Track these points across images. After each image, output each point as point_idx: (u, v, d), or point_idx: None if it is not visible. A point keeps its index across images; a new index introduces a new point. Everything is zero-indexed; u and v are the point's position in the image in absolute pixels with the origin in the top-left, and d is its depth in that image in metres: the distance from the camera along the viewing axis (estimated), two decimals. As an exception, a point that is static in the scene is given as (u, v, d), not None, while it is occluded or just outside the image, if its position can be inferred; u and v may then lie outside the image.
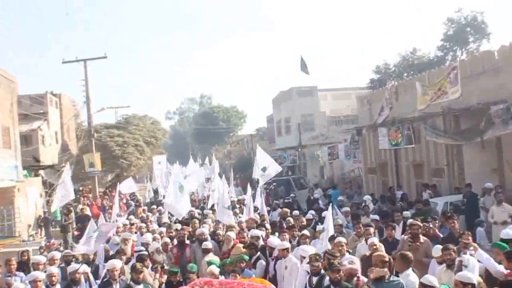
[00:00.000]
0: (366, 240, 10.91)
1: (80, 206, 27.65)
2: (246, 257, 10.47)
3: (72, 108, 45.63)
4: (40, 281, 9.32)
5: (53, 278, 9.88)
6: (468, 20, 44.04)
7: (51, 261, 11.52)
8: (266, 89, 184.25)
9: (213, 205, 19.37)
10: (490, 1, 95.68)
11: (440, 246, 9.42)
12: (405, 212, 14.75)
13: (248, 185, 19.27)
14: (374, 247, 9.97)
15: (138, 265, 9.53)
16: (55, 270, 10.21)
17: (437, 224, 12.15)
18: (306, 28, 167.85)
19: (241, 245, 11.89)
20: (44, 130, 35.73)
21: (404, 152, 25.86)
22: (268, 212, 18.96)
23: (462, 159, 21.33)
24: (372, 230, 11.58)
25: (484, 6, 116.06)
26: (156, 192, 30.69)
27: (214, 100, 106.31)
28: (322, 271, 9.00)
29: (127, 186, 29.28)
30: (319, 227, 12.91)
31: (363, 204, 18.34)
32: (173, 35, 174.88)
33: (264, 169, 18.38)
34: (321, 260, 9.12)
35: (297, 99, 45.84)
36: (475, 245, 9.27)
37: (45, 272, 10.17)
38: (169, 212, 17.38)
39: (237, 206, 20.49)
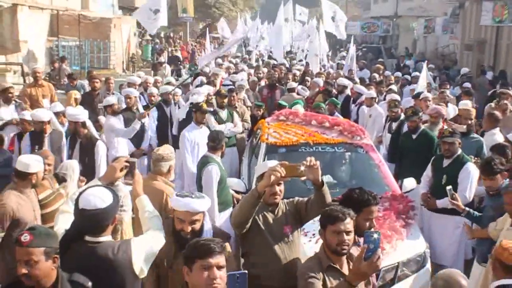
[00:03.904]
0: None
1: (170, 49, 28.36)
2: (337, 101, 10.67)
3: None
4: (134, 97, 9.83)
5: (152, 98, 10.45)
6: None
7: (145, 84, 12.12)
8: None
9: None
10: None
11: None
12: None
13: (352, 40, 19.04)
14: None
15: (223, 90, 9.91)
16: (155, 90, 10.81)
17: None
18: None
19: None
20: (139, -30, 35.91)
21: (507, 31, 24.39)
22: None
23: None
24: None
25: None
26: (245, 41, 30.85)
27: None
28: (402, 117, 9.15)
29: (221, 27, 29.29)
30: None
31: (461, 74, 17.87)
32: None
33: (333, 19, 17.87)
34: (400, 106, 9.27)
35: (399, -34, 43.33)
36: None
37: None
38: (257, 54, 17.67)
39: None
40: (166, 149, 5.59)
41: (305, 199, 4.62)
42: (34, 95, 11.16)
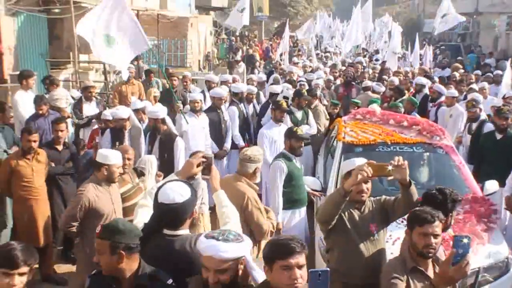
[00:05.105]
0: None
1: (246, 47, 28.58)
2: (415, 100, 10.44)
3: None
4: (224, 98, 9.88)
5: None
6: None
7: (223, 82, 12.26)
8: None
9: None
10: None
11: None
12: None
13: (417, 37, 18.77)
14: None
15: (305, 91, 9.92)
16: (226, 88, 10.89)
17: None
18: None
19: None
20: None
21: None
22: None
23: None
24: None
25: None
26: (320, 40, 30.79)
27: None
28: (482, 117, 8.86)
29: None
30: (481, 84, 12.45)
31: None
32: None
33: (444, 16, 17.72)
34: (478, 106, 8.99)
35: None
36: None
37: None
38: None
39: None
40: (255, 150, 5.51)
41: (393, 198, 4.58)
42: (124, 92, 11.79)
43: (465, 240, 3.38)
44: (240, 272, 3.19)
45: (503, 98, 10.32)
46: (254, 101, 10.91)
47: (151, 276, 3.30)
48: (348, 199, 4.31)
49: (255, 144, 8.54)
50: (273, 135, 8.27)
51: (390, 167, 4.08)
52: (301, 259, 2.97)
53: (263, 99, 11.34)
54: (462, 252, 3.37)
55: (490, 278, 5.41)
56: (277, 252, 2.98)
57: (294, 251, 2.95)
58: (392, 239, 5.25)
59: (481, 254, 5.46)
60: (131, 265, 3.29)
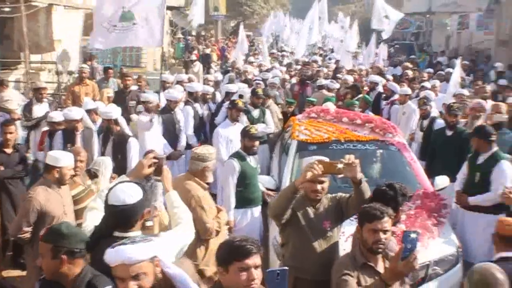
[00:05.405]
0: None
1: (202, 47, 28.46)
2: (369, 99, 10.59)
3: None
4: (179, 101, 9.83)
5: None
6: None
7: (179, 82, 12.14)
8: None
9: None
10: None
11: None
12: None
13: (373, 37, 19.00)
14: None
15: (260, 90, 9.92)
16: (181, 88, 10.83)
17: None
18: None
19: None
20: (170, -30, 36.09)
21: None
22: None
23: None
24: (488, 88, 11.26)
25: None
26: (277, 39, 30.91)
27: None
28: (433, 115, 9.10)
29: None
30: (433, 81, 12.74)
31: (498, 71, 17.56)
32: None
33: (387, 17, 17.89)
34: (429, 103, 9.30)
35: (432, -39, 42.63)
36: None
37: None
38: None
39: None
40: (204, 149, 5.43)
41: (347, 195, 4.64)
42: (77, 92, 11.56)
43: (413, 235, 3.45)
44: (160, 275, 3.05)
45: (454, 95, 10.52)
46: (218, 99, 10.91)
47: (88, 283, 3.22)
48: (304, 197, 4.37)
49: (210, 143, 8.50)
50: (229, 134, 8.28)
51: (340, 165, 4.13)
52: (257, 259, 2.98)
53: (219, 99, 11.32)
54: (411, 247, 3.43)
55: (441, 271, 5.52)
56: (234, 253, 2.97)
57: (251, 252, 2.95)
58: (345, 236, 5.31)
59: (432, 248, 5.55)
60: (73, 270, 3.23)
